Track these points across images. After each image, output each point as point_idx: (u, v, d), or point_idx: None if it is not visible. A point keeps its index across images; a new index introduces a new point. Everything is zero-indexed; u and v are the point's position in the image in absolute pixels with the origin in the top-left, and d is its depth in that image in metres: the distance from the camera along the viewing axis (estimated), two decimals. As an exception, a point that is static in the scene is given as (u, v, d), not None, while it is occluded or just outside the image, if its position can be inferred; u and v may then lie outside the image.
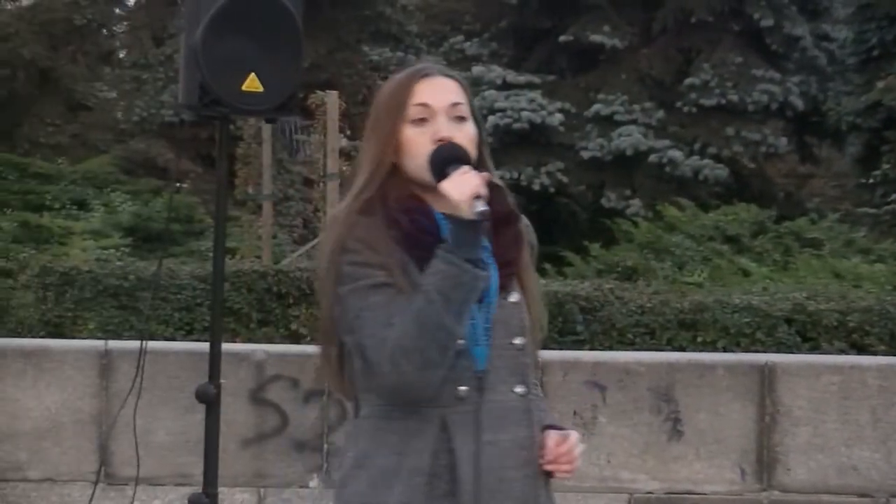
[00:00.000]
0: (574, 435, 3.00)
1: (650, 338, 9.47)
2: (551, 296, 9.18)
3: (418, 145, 2.90)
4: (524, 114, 22.04)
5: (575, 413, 6.40)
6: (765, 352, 8.58)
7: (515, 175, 21.88)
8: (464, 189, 2.77)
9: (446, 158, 2.86)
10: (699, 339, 9.37)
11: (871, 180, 23.17)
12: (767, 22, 23.09)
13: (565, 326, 9.23)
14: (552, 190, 22.45)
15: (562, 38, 23.66)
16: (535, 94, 22.59)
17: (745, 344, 9.23)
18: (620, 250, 13.92)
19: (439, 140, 2.91)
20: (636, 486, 6.39)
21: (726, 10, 23.38)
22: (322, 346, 3.00)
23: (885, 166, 22.53)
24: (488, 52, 25.49)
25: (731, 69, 23.11)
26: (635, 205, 21.61)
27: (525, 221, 3.11)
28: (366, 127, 3.01)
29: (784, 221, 15.68)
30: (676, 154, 22.17)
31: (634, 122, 22.74)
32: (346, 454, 2.97)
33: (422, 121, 2.92)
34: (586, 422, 6.39)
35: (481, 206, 2.76)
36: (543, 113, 22.24)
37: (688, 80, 23.15)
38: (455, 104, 2.95)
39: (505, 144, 22.12)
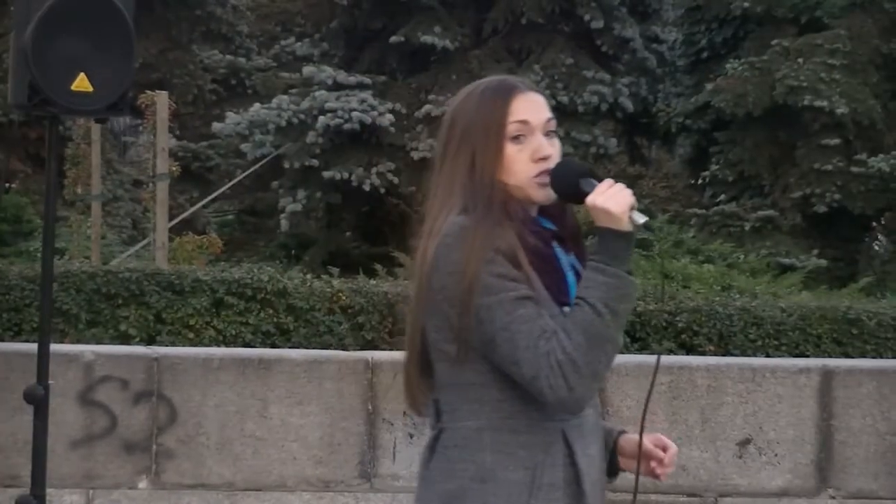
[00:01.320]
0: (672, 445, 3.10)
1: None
2: (381, 296, 9.18)
3: (518, 162, 2.91)
4: (355, 114, 21.96)
5: (406, 414, 6.40)
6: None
7: (346, 175, 21.82)
8: (621, 201, 2.80)
9: (575, 174, 2.89)
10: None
11: (700, 181, 23.62)
12: (598, 23, 23.36)
13: (395, 327, 9.23)
14: (382, 190, 22.43)
15: (393, 39, 23.64)
16: (366, 95, 22.54)
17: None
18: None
19: (541, 158, 2.92)
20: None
21: (557, 11, 23.58)
22: (415, 353, 2.97)
23: (714, 167, 22.98)
24: (319, 52, 25.36)
25: (561, 70, 23.32)
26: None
27: None
28: (451, 138, 2.98)
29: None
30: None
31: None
32: (458, 466, 2.91)
33: (519, 137, 2.93)
34: (417, 423, 6.41)
35: (643, 218, 2.81)
36: (374, 113, 22.19)
37: (519, 82, 23.30)
38: (549, 119, 2.97)
39: (335, 145, 22.05)
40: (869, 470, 6.21)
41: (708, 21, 24.65)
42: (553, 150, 2.93)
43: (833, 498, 6.23)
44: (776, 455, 6.35)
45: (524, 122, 2.92)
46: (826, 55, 21.70)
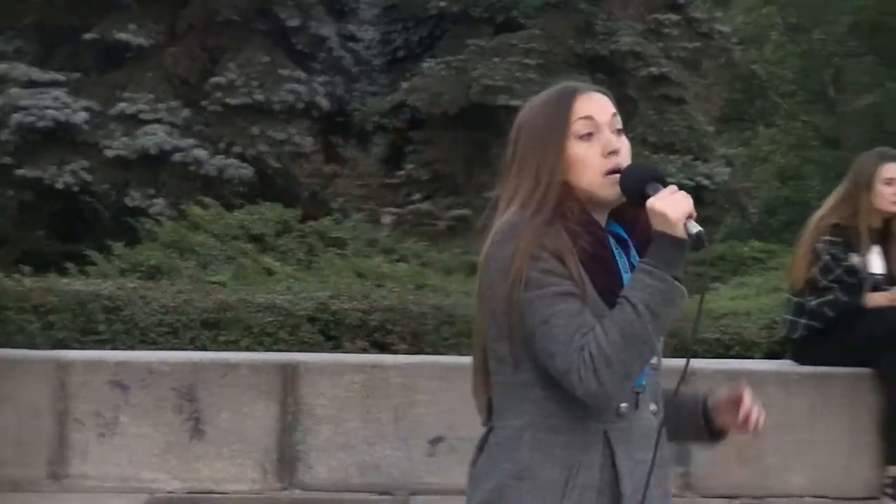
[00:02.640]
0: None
1: (173, 337, 9.31)
2: (73, 295, 8.91)
3: (589, 159, 2.93)
4: (49, 112, 21.39)
5: (97, 414, 6.22)
6: (288, 351, 8.59)
7: (39, 174, 21.24)
8: (679, 208, 2.81)
9: (643, 177, 2.87)
10: (222, 339, 9.28)
11: (395, 180, 23.77)
12: (294, 22, 23.27)
13: (87, 326, 8.96)
14: (76, 188, 21.87)
15: (87, 36, 23.10)
16: (60, 93, 21.98)
17: (269, 343, 9.21)
18: (144, 249, 13.63)
19: (611, 153, 2.91)
20: (157, 486, 6.25)
21: (253, 9, 23.42)
22: (478, 352, 3.01)
23: (409, 166, 23.15)
24: (13, 49, 24.58)
25: (257, 69, 23.14)
26: (159, 204, 21.32)
27: None
28: (517, 144, 3.02)
29: (309, 221, 15.82)
30: (201, 153, 22.01)
31: (159, 120, 22.42)
32: (498, 464, 2.96)
33: (588, 135, 2.93)
34: (108, 422, 6.21)
35: (697, 227, 2.78)
36: (68, 111, 21.65)
37: (214, 80, 23.03)
38: (614, 115, 3.00)
39: (29, 143, 21.47)
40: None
41: (404, 20, 24.83)
42: (621, 145, 2.97)
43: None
44: (467, 453, 6.33)
45: (589, 119, 2.96)
46: (521, 55, 22.09)
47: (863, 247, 6.49)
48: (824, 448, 6.38)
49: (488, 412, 3.04)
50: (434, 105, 22.31)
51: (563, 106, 2.97)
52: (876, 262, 6.55)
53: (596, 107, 2.98)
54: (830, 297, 6.41)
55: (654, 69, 21.58)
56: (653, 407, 3.01)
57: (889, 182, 6.50)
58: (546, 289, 2.83)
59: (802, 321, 6.52)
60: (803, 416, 6.38)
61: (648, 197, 2.87)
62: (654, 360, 2.96)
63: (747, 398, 3.06)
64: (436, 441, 6.34)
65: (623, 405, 2.92)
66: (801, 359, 6.45)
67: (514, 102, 21.66)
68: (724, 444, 6.06)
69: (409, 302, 9.73)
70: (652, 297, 2.78)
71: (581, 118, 2.95)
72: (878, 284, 6.51)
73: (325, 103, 23.41)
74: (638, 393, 2.95)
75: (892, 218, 6.57)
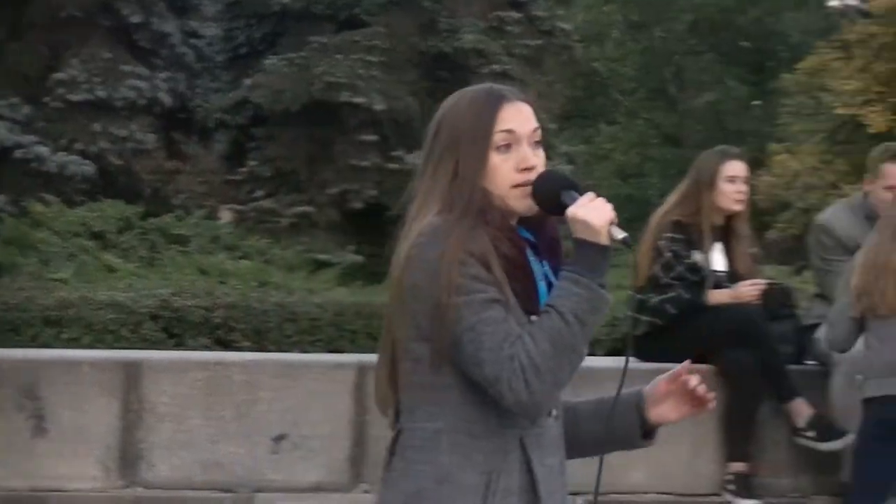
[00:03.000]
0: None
1: (15, 334, 9.23)
2: None
3: (503, 172, 2.91)
4: None
5: None
6: (131, 348, 8.57)
7: None
8: (601, 215, 2.81)
9: (558, 185, 2.86)
10: (64, 336, 9.23)
11: (237, 177, 23.64)
12: (136, 18, 23.02)
13: None
14: None
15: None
16: None
17: (111, 341, 9.17)
18: (-16, 247, 13.44)
19: (525, 168, 2.89)
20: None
21: (96, 6, 23.13)
22: (387, 351, 2.98)
23: (252, 163, 23.04)
24: None
25: (99, 65, 22.86)
26: (0, 200, 20.99)
27: None
28: (437, 142, 2.97)
29: (151, 218, 15.71)
30: (43, 150, 21.69)
31: (0, 117, 22.07)
32: (416, 467, 2.92)
33: (506, 147, 2.90)
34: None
35: (622, 234, 2.79)
36: None
37: (56, 76, 22.71)
38: (535, 129, 2.97)
39: None
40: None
41: (247, 17, 24.69)
42: (538, 160, 2.94)
43: (367, 492, 6.32)
44: (311, 450, 6.41)
45: (510, 132, 2.93)
46: (364, 52, 22.11)
47: (705, 244, 6.54)
48: (666, 445, 6.41)
49: (396, 414, 3.01)
50: (276, 102, 22.23)
51: (488, 114, 2.93)
52: (718, 260, 6.64)
53: (519, 119, 2.95)
54: (672, 294, 6.46)
55: (496, 67, 21.74)
56: (555, 412, 3.00)
57: (731, 180, 6.58)
58: (473, 295, 2.81)
59: (644, 318, 6.56)
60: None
61: (565, 205, 2.86)
62: None
63: (687, 374, 3.08)
64: (279, 438, 6.37)
65: None
66: (643, 355, 6.50)
67: (356, 100, 21.72)
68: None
69: (252, 299, 9.76)
70: (579, 306, 2.78)
71: (503, 130, 2.92)
72: (719, 282, 6.59)
73: (167, 100, 23.20)
74: None
75: (734, 215, 6.66)
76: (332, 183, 22.31)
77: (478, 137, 2.91)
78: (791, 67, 39.67)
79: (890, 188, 6.61)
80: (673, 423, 3.16)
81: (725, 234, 6.68)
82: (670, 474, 6.41)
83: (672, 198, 6.72)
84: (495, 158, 2.91)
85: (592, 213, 2.82)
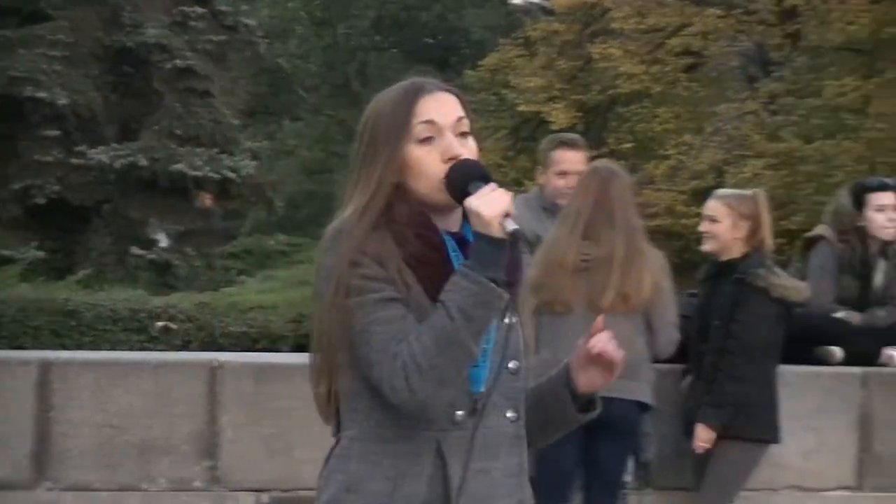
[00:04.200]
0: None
1: None
2: None
3: (427, 164, 2.80)
4: None
5: None
6: None
7: None
8: (495, 206, 2.68)
9: (467, 176, 2.73)
10: None
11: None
12: None
13: None
14: None
15: None
16: None
17: None
18: None
19: (451, 158, 2.77)
20: None
21: None
22: (313, 360, 2.88)
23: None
24: None
25: None
26: None
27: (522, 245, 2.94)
28: (361, 143, 2.87)
29: None
30: None
31: None
32: (334, 475, 2.86)
33: (428, 139, 2.81)
34: None
35: (513, 225, 2.67)
36: None
37: None
38: (460, 119, 2.85)
39: None
40: (86, 461, 6.26)
41: None
42: (465, 150, 2.83)
43: (50, 490, 6.22)
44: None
45: (430, 123, 2.82)
46: (47, 46, 21.65)
47: None
48: None
49: (337, 423, 2.93)
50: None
51: (404, 107, 2.83)
52: None
53: (439, 109, 2.84)
54: None
55: (179, 62, 21.61)
56: (511, 414, 2.87)
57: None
58: (366, 296, 2.73)
59: None
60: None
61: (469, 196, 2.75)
62: (512, 365, 2.85)
63: (598, 332, 2.90)
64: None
65: (459, 413, 2.79)
66: None
67: (40, 94, 21.25)
68: (253, 438, 6.19)
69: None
70: (466, 300, 2.66)
71: (422, 122, 2.81)
72: None
73: None
74: (477, 399, 2.80)
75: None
76: (15, 178, 21.76)
77: (392, 131, 2.82)
78: (474, 64, 40.55)
79: (562, 174, 6.77)
80: (602, 387, 2.97)
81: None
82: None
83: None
84: (417, 151, 2.81)
85: (485, 204, 2.70)
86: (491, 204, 2.69)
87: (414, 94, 2.85)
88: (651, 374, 6.04)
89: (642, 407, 5.99)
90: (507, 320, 2.81)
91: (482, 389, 2.79)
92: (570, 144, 6.91)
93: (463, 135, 2.86)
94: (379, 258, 2.75)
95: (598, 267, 5.88)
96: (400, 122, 2.82)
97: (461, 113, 2.89)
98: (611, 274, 5.86)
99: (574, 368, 2.95)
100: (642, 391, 5.94)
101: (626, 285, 5.86)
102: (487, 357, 2.79)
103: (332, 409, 2.93)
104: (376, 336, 2.72)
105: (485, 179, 2.76)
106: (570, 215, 6.05)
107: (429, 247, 2.79)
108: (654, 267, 5.98)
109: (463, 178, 2.77)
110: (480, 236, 2.69)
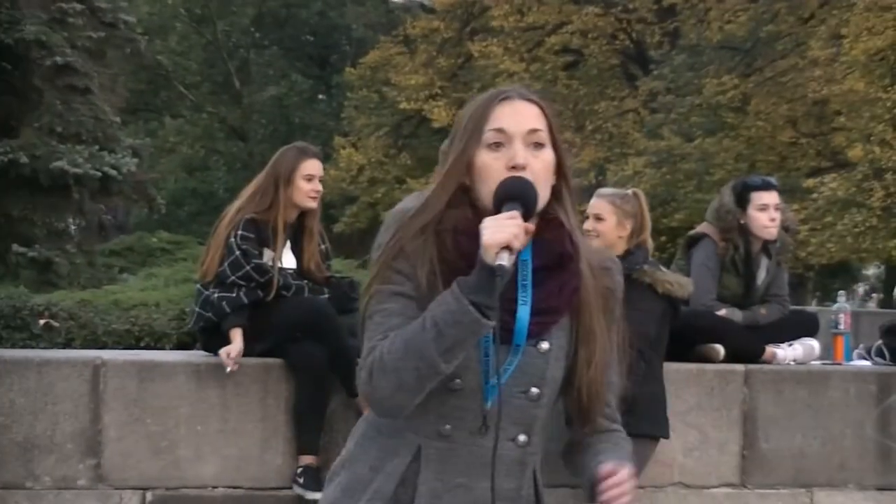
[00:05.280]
0: (626, 469, 2.82)
1: None
2: None
3: (492, 170, 2.80)
4: None
5: None
6: None
7: None
8: (496, 235, 2.64)
9: (507, 195, 2.73)
10: None
11: None
12: None
13: None
14: None
15: None
16: None
17: None
18: None
19: (513, 167, 2.78)
20: None
21: None
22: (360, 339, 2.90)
23: None
24: None
25: None
26: None
27: (612, 265, 3.03)
28: (449, 142, 2.92)
29: None
30: None
31: None
32: (348, 446, 2.98)
33: (497, 145, 2.82)
34: None
35: (501, 261, 2.62)
36: None
37: None
38: (533, 130, 2.83)
39: None
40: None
41: None
42: (534, 160, 2.81)
43: None
44: None
45: (500, 131, 2.83)
46: None
47: (278, 242, 6.56)
48: (236, 438, 6.44)
49: None
50: None
51: (481, 112, 2.86)
52: (288, 258, 6.68)
53: (512, 118, 2.84)
54: (233, 294, 6.47)
55: (58, 59, 21.36)
56: (522, 438, 2.87)
57: (309, 178, 6.66)
58: (386, 286, 2.80)
59: (207, 313, 6.53)
60: (215, 406, 6.41)
61: None
62: (533, 391, 2.84)
63: (614, 476, 2.82)
64: None
65: (447, 427, 2.81)
66: (210, 349, 6.46)
67: None
68: (137, 436, 6.17)
69: None
70: (443, 316, 2.66)
71: (493, 129, 2.83)
72: (287, 279, 6.62)
73: None
74: (482, 417, 2.80)
75: (307, 213, 6.72)
76: None
77: (467, 134, 2.86)
78: (355, 62, 40.51)
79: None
80: None
81: (297, 231, 6.74)
82: (241, 468, 6.40)
83: (246, 193, 6.68)
84: (486, 157, 2.83)
85: (489, 230, 2.66)
86: (494, 230, 2.66)
87: (492, 100, 2.88)
88: None
89: None
90: (540, 347, 2.84)
91: (489, 409, 2.79)
92: None
93: (537, 146, 2.85)
94: (409, 251, 2.81)
95: None
96: (475, 125, 2.86)
97: (538, 125, 2.87)
98: None
99: (595, 480, 2.86)
100: None
101: None
102: (499, 378, 2.76)
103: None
104: (374, 325, 2.80)
105: (521, 202, 2.74)
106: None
107: (459, 254, 2.79)
108: None
109: (502, 196, 2.76)
110: (480, 259, 2.67)
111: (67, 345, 12.78)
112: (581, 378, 2.92)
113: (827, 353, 7.68)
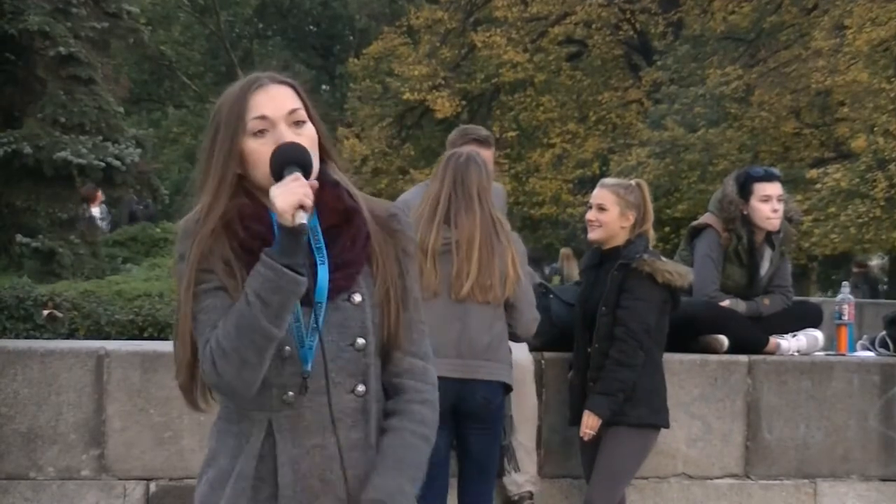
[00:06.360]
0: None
1: None
2: None
3: (262, 154, 2.88)
4: None
5: None
6: None
7: None
8: (287, 198, 2.75)
9: (284, 160, 2.78)
10: None
11: None
12: None
13: None
14: None
15: None
16: None
17: None
18: None
19: None
20: None
21: None
22: (174, 349, 2.99)
23: None
24: None
25: None
26: None
27: (396, 210, 3.06)
28: (207, 138, 2.98)
29: None
30: None
31: None
32: (209, 445, 3.04)
33: (262, 132, 2.91)
34: None
35: (301, 219, 2.74)
36: None
37: None
38: (293, 110, 2.93)
39: None
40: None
41: None
42: (299, 137, 2.91)
43: None
44: None
45: (262, 118, 2.92)
46: (-76, 34, 21.26)
47: None
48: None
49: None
50: None
51: (240, 103, 2.94)
52: None
53: (271, 103, 2.93)
54: None
55: (62, 49, 21.31)
56: (360, 388, 2.96)
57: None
58: (198, 287, 2.88)
59: None
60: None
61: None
62: (359, 342, 2.94)
63: None
64: None
65: (290, 394, 2.90)
66: None
67: None
68: (141, 426, 6.17)
69: None
70: (262, 286, 2.77)
71: (255, 117, 2.92)
72: None
73: None
74: (306, 378, 2.91)
75: None
76: None
77: (230, 126, 2.94)
78: (358, 52, 40.49)
79: None
80: None
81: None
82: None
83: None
84: (254, 144, 2.92)
85: (280, 194, 2.78)
86: (285, 195, 2.78)
87: (247, 89, 2.96)
88: (509, 356, 6.04)
89: (505, 388, 6.01)
90: (352, 300, 2.95)
91: (310, 369, 2.90)
92: (481, 142, 6.93)
93: (298, 123, 2.95)
94: (208, 249, 2.90)
95: (457, 251, 5.88)
96: (235, 116, 2.94)
97: (295, 104, 2.96)
98: (470, 261, 5.87)
99: None
100: (504, 372, 5.96)
101: (485, 275, 5.86)
102: (320, 337, 2.90)
103: (194, 396, 3.05)
104: (200, 324, 2.88)
105: (302, 166, 2.85)
106: (430, 200, 6.05)
107: (252, 237, 2.91)
108: (514, 251, 5.95)
109: (280, 163, 2.85)
110: (279, 224, 2.80)
111: (71, 335, 12.80)
112: (386, 317, 3.01)
113: (830, 343, 7.67)
